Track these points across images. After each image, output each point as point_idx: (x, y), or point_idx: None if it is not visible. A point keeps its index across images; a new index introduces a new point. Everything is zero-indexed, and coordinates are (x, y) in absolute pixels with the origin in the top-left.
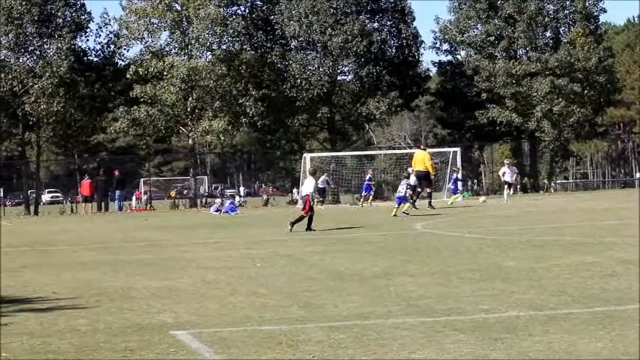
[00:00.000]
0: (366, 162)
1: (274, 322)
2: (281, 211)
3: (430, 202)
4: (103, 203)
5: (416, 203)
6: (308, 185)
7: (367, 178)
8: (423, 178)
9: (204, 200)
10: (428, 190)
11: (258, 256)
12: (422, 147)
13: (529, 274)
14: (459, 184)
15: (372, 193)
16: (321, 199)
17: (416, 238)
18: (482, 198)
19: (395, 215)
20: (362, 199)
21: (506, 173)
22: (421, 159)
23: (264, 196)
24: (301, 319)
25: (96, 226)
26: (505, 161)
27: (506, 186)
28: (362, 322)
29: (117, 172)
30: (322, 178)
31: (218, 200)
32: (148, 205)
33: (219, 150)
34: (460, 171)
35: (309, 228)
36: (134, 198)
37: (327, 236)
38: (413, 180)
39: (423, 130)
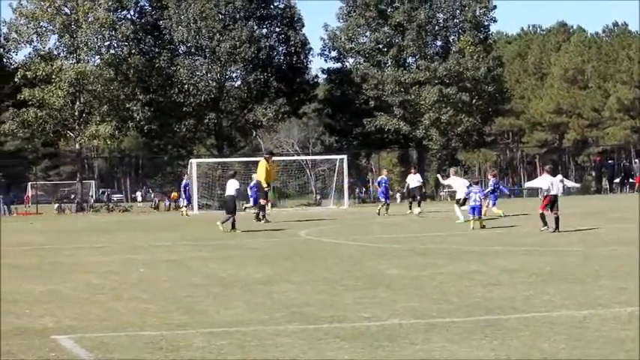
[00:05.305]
0: (253, 168)
1: (156, 327)
2: (167, 216)
3: (258, 215)
4: None
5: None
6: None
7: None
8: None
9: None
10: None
11: (141, 261)
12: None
13: (412, 282)
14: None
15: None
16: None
17: (300, 245)
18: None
19: (473, 228)
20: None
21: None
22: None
23: (156, 200)
24: (183, 324)
25: None
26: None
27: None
28: (243, 329)
29: None
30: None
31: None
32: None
33: (106, 154)
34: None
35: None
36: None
37: (211, 242)
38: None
39: (310, 137)
